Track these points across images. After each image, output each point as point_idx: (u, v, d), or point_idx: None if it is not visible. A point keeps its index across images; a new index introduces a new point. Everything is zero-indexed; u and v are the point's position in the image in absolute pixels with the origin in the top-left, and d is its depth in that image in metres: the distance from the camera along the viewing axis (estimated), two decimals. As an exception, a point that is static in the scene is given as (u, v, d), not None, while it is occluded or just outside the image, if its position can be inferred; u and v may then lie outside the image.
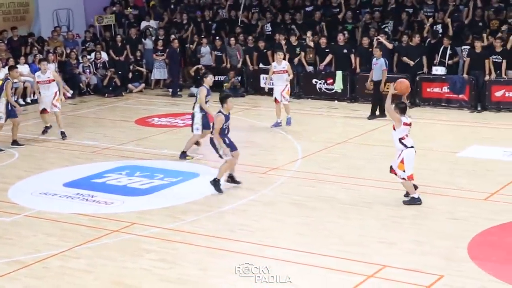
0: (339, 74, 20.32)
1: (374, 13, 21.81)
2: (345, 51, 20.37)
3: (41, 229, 10.52)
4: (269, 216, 10.91)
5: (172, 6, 25.50)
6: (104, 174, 13.32)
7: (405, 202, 11.13)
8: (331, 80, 20.55)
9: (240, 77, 21.98)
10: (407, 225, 10.36)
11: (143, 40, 23.85)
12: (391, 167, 11.20)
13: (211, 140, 12.25)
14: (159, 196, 12.08)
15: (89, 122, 18.51)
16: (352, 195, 11.82)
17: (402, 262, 8.89)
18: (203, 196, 11.94)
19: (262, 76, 21.63)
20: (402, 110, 11.00)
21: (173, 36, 22.99)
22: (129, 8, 25.53)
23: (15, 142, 15.52)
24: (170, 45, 22.46)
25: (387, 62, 17.97)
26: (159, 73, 23.10)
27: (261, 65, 21.79)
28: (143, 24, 24.64)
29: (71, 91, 21.57)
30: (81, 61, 22.50)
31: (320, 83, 20.76)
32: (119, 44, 23.31)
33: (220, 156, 12.22)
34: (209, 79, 14.55)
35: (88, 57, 22.64)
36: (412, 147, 10.99)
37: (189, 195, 12.05)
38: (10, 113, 15.42)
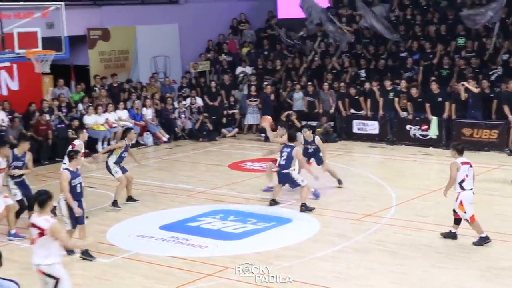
0: (434, 120, 19.98)
1: (470, 59, 21.43)
2: (439, 99, 20.03)
3: (138, 271, 10.73)
4: (363, 264, 10.75)
5: (265, 53, 25.90)
6: (198, 217, 13.50)
7: (474, 243, 11.21)
8: (426, 126, 20.22)
9: (332, 122, 21.97)
10: (506, 276, 9.97)
11: (239, 85, 24.29)
12: (453, 210, 11.41)
13: None
14: (253, 240, 12.13)
15: (184, 166, 18.87)
16: (449, 244, 11.50)
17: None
18: (296, 242, 11.90)
19: (354, 121, 21.55)
20: (460, 151, 11.32)
21: (266, 82, 23.30)
22: (223, 54, 26.10)
23: (130, 198, 14.81)
24: (263, 91, 22.76)
25: None
26: (252, 118, 23.39)
27: (353, 111, 21.72)
28: (238, 70, 25.12)
29: (167, 136, 22.17)
30: (176, 106, 23.09)
31: (415, 129, 20.47)
32: (213, 89, 23.82)
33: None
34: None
35: (184, 102, 23.22)
36: (470, 189, 11.14)
37: (282, 240, 12.04)
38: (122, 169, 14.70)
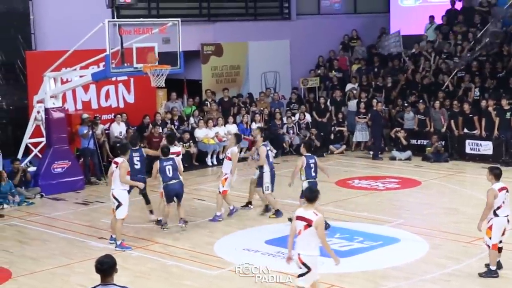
0: (552, 141, 19.13)
1: None
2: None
3: (244, 285, 10.81)
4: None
5: (375, 70, 25.65)
6: (305, 233, 13.45)
7: (480, 274, 10.79)
8: (544, 148, 19.39)
9: (444, 141, 21.44)
10: None
11: (347, 102, 24.18)
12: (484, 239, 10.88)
13: None
14: (359, 259, 11.99)
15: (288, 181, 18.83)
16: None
17: None
18: (403, 262, 11.68)
19: (467, 141, 20.95)
20: (497, 176, 10.83)
21: (376, 100, 23.05)
22: (333, 71, 26.06)
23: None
24: (372, 108, 22.54)
25: None
26: (361, 135, 23.19)
27: (466, 130, 21.12)
28: (348, 86, 24.99)
29: (275, 151, 22.30)
30: (285, 121, 23.22)
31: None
32: (322, 106, 23.81)
33: None
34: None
35: (293, 118, 23.32)
36: (505, 216, 10.66)
37: (390, 260, 11.84)
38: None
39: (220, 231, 13.84)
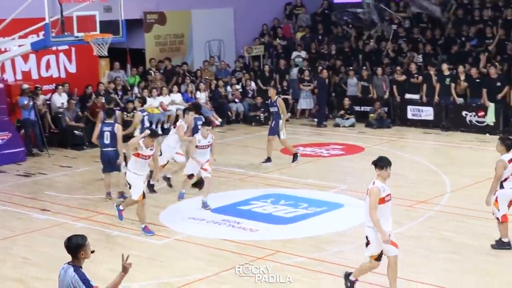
0: (491, 106, 19.59)
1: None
2: (498, 84, 19.60)
3: (190, 253, 10.87)
4: (415, 250, 10.65)
5: (320, 37, 25.75)
6: (250, 201, 13.58)
7: (493, 246, 10.52)
8: (483, 113, 19.85)
9: (386, 108, 21.75)
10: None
11: (289, 70, 24.24)
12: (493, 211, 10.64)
13: None
14: (304, 225, 12.15)
15: (236, 150, 18.96)
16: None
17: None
18: (347, 227, 11.86)
19: (409, 107, 21.30)
20: (508, 147, 10.50)
21: (321, 67, 23.18)
22: (277, 39, 26.05)
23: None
24: (318, 76, 22.65)
25: None
26: (305, 103, 23.32)
27: (407, 96, 21.45)
28: (294, 54, 25.03)
29: (220, 120, 22.28)
30: (229, 90, 23.18)
31: (471, 116, 20.12)
32: (267, 74, 23.81)
33: None
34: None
35: (237, 86, 23.28)
36: (511, 188, 10.41)
37: (334, 225, 12.02)
38: None
39: (166, 201, 13.81)
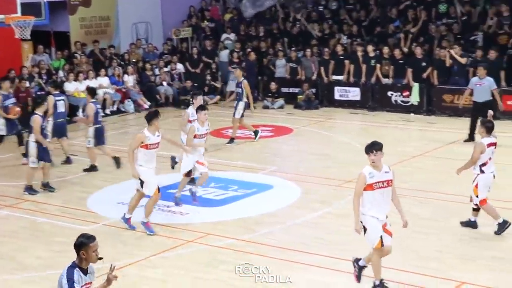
0: (415, 86, 20.02)
1: (452, 25, 21.43)
2: (423, 64, 20.02)
3: (118, 238, 10.74)
4: (344, 229, 10.79)
5: (248, 19, 25.71)
6: (180, 184, 13.49)
7: (496, 232, 10.33)
8: (407, 93, 20.26)
9: (314, 89, 21.95)
10: (486, 241, 10.10)
11: (218, 52, 24.14)
12: (470, 196, 10.59)
13: None
14: (234, 207, 12.18)
15: (165, 133, 18.75)
16: (429, 210, 11.60)
17: (481, 279, 8.67)
18: (277, 208, 11.96)
19: (336, 88, 21.56)
20: (489, 130, 10.35)
21: (249, 49, 23.17)
22: (205, 21, 25.89)
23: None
24: (246, 58, 22.64)
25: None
26: (234, 85, 23.29)
27: (335, 77, 21.70)
28: (223, 36, 24.93)
29: (149, 103, 22.05)
30: (157, 73, 22.94)
31: (396, 96, 20.52)
32: (195, 56, 23.67)
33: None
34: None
35: (165, 69, 23.06)
36: (491, 172, 10.33)
37: (263, 207, 12.09)
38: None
39: (93, 186, 13.61)
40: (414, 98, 20.12)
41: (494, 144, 10.36)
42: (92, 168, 14.55)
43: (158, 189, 10.86)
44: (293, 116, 20.54)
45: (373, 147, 8.31)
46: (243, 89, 16.88)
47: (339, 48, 21.72)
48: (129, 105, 21.86)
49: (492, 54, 18.90)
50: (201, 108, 12.06)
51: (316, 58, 22.21)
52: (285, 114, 20.99)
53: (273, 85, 22.04)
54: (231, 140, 17.12)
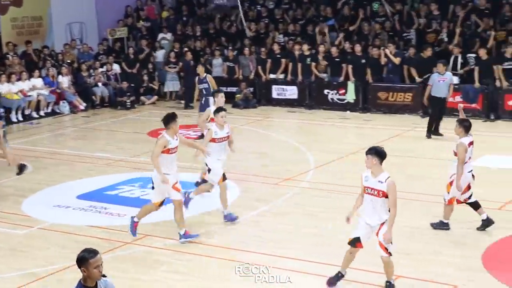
0: (351, 84, 20.30)
1: (385, 23, 21.81)
2: (363, 61, 20.30)
3: (55, 242, 10.55)
4: (282, 227, 10.88)
5: (184, 19, 25.62)
6: (117, 186, 13.35)
7: (432, 225, 10.43)
8: (343, 91, 20.53)
9: (252, 88, 22.01)
10: (423, 235, 10.30)
11: (153, 52, 23.95)
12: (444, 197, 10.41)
13: None
14: (171, 207, 12.05)
15: (102, 135, 18.58)
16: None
17: (417, 272, 8.84)
18: (216, 207, 11.91)
19: (274, 87, 21.68)
20: (467, 129, 10.17)
21: (186, 48, 23.07)
22: (141, 21, 25.66)
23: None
24: (183, 57, 22.54)
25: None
26: (172, 85, 23.18)
27: (272, 75, 21.81)
28: (160, 36, 24.74)
29: (84, 104, 21.73)
30: (93, 73, 22.62)
31: (332, 94, 20.76)
32: (132, 56, 23.43)
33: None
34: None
35: (100, 69, 22.76)
36: (469, 171, 10.17)
37: (203, 206, 12.03)
38: None
39: (27, 189, 13.30)
40: (350, 96, 20.40)
41: (472, 143, 10.22)
42: (22, 168, 13.91)
43: (162, 202, 10.41)
44: (231, 115, 20.38)
45: (367, 151, 8.32)
46: (209, 84, 16.78)
47: (276, 47, 21.88)
48: (64, 107, 21.48)
49: (428, 52, 19.28)
50: (219, 110, 11.05)
51: (254, 57, 22.29)
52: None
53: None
54: (202, 136, 16.88)
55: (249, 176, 13.87)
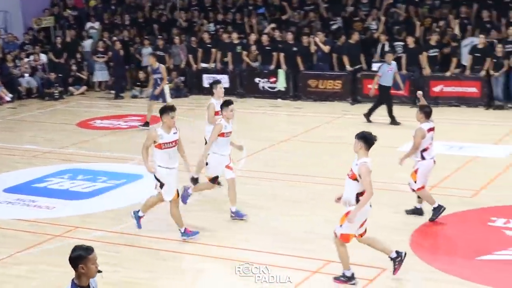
0: (281, 72, 20.41)
1: (315, 12, 21.99)
2: (294, 49, 20.40)
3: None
4: (215, 216, 10.86)
5: (113, 7, 25.20)
6: (45, 178, 13.08)
7: (431, 219, 10.14)
8: (274, 79, 20.62)
9: (183, 77, 21.86)
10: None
11: (82, 42, 23.50)
12: (409, 182, 10.33)
13: None
14: (103, 199, 11.94)
15: (29, 126, 18.15)
16: (297, 192, 11.86)
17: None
18: (147, 197, 11.77)
19: (204, 76, 21.59)
20: (428, 115, 10.15)
21: (115, 38, 22.72)
22: (67, 9, 25.10)
23: None
24: (112, 47, 22.19)
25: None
26: (101, 75, 22.81)
27: (204, 64, 21.73)
28: (88, 25, 24.27)
29: (10, 95, 21.16)
30: (19, 64, 22.03)
31: (263, 82, 20.82)
32: (59, 46, 22.92)
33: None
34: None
35: (27, 59, 22.19)
36: (431, 158, 10.21)
37: (133, 197, 11.90)
38: None
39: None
40: (281, 84, 20.51)
41: (433, 129, 10.19)
42: None
43: (178, 193, 9.88)
44: (162, 105, 20.32)
45: (356, 135, 8.25)
46: (162, 74, 16.83)
47: (206, 36, 21.77)
48: (-11, 98, 20.90)
49: (355, 36, 19.59)
50: (227, 103, 10.55)
51: (184, 45, 22.13)
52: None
53: (141, 74, 21.77)
54: (146, 123, 16.94)
55: (180, 165, 13.76)
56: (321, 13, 21.98)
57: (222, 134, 10.40)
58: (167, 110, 9.72)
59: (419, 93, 11.48)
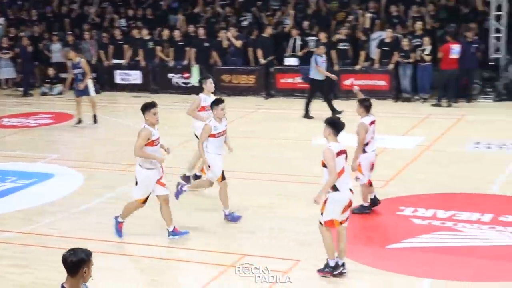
0: (195, 68, 20.37)
1: (225, 8, 22.07)
2: (206, 44, 20.39)
3: None
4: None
5: (19, 2, 24.51)
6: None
7: (353, 211, 9.59)
8: (188, 74, 20.56)
9: (95, 73, 21.49)
10: (265, 214, 10.57)
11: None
12: (356, 176, 10.11)
13: None
14: (12, 199, 11.62)
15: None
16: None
17: (261, 250, 9.05)
18: (58, 197, 11.60)
19: (116, 72, 21.31)
20: (367, 108, 10.01)
21: (22, 33, 22.10)
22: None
23: None
24: (19, 43, 21.58)
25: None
26: (7, 72, 22.15)
27: (116, 61, 21.44)
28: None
29: None
30: None
31: (177, 78, 20.73)
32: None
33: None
34: None
35: None
36: (373, 151, 10.15)
37: (44, 196, 11.67)
38: None
39: None
40: (195, 79, 20.46)
41: (374, 122, 10.11)
42: None
43: (146, 199, 9.55)
44: (74, 102, 19.85)
45: (324, 120, 8.26)
46: (83, 68, 16.54)
47: (117, 32, 21.49)
48: None
49: (269, 30, 19.80)
50: (217, 102, 10.13)
51: (95, 41, 21.77)
52: (65, 100, 20.36)
53: (50, 71, 21.31)
54: (79, 121, 16.79)
55: (93, 163, 13.62)
56: (236, 8, 22.06)
57: (213, 135, 10.12)
58: (148, 107, 9.54)
59: (356, 88, 11.36)
